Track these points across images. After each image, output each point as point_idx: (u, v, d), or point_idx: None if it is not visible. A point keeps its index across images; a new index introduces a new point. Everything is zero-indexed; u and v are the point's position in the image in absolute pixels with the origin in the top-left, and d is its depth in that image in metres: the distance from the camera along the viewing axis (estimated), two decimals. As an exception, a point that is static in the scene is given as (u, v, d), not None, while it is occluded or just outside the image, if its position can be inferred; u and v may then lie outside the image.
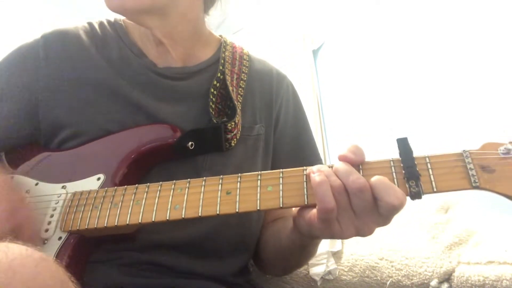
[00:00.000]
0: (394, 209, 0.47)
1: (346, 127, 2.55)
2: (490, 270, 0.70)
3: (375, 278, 0.82)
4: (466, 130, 1.97)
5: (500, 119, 1.82)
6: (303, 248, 0.67)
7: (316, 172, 0.50)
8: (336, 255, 0.93)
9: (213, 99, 0.72)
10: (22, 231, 0.54)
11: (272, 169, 0.79)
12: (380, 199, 0.47)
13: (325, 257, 0.88)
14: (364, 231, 0.50)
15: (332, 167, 0.51)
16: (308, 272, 0.88)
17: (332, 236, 0.52)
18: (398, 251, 0.84)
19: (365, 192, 0.47)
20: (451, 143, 1.98)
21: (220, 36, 0.86)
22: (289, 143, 0.82)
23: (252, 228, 0.75)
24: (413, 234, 0.89)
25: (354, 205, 0.48)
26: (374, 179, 0.48)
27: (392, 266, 0.81)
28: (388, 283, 0.79)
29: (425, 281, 0.77)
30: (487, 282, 0.69)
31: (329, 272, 0.85)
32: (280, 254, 0.73)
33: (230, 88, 0.74)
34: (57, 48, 0.71)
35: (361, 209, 0.48)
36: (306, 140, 0.85)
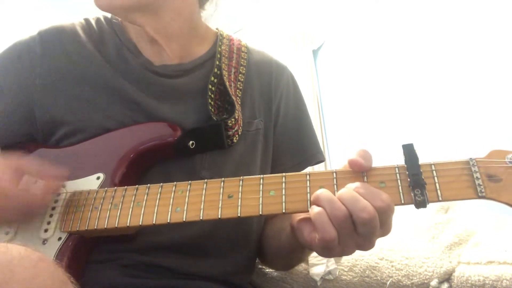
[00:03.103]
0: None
1: (346, 127, 2.55)
2: (490, 270, 0.70)
3: (375, 278, 0.82)
4: (470, 131, 1.95)
5: (507, 124, 1.79)
6: (303, 250, 0.66)
7: (314, 201, 0.48)
8: (336, 255, 0.92)
9: (212, 95, 0.71)
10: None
11: (273, 162, 0.79)
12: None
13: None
14: (365, 246, 0.48)
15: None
16: (308, 272, 0.88)
17: (331, 256, 0.51)
18: (398, 251, 0.84)
19: (374, 220, 0.45)
20: (450, 143, 1.97)
21: (217, 29, 0.84)
22: (291, 135, 0.81)
23: (253, 224, 0.75)
24: (413, 234, 0.89)
25: (360, 232, 0.46)
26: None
27: (392, 266, 0.81)
28: (388, 283, 0.79)
29: (425, 281, 0.77)
30: (487, 282, 0.69)
31: (329, 272, 0.85)
32: (280, 253, 0.73)
33: (227, 83, 0.72)
34: (54, 45, 0.70)
35: (367, 233, 0.46)
36: (307, 132, 0.84)
